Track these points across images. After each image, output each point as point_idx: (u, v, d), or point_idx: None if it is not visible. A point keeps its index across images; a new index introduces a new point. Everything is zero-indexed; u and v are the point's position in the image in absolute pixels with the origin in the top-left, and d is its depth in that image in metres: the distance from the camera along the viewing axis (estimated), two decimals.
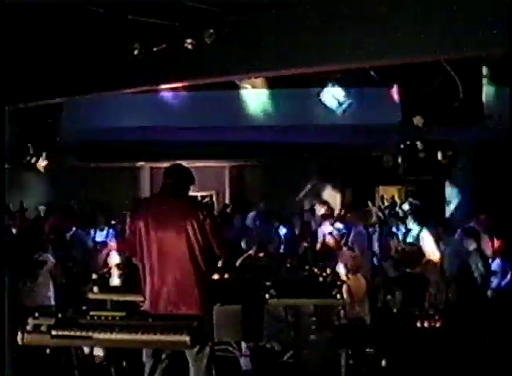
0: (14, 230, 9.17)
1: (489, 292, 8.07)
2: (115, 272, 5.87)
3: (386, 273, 8.37)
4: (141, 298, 4.86)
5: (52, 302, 6.48)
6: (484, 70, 7.97)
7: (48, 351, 4.48)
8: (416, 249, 8.81)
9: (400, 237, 10.42)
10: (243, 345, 5.99)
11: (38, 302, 6.20)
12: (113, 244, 8.46)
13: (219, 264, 5.30)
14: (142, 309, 4.73)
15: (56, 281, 6.59)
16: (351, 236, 9.86)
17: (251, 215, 13.11)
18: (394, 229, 11.00)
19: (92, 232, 10.73)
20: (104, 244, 10.18)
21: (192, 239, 4.55)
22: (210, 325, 4.63)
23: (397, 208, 14.70)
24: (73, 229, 10.57)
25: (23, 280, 6.26)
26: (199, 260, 4.57)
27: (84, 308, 4.38)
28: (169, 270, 4.58)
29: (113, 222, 12.15)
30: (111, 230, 10.78)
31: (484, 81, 8.13)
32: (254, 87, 12.36)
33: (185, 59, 5.61)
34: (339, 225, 10.80)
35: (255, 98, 12.93)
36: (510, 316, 6.41)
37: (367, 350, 5.56)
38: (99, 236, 10.73)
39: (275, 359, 5.89)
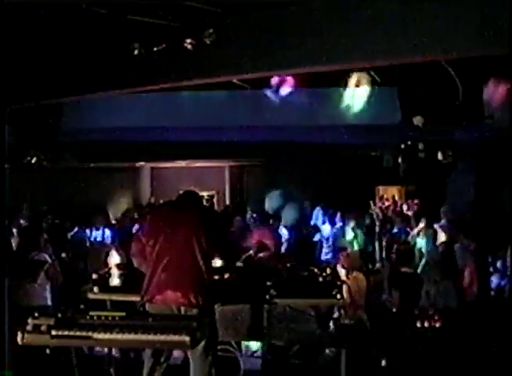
0: (14, 230, 9.16)
1: (489, 292, 8.07)
2: (115, 272, 5.87)
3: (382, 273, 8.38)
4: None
5: (49, 303, 6.45)
6: None
7: (48, 351, 4.48)
8: (412, 248, 8.81)
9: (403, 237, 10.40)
10: (243, 345, 5.99)
11: (35, 303, 6.17)
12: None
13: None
14: (141, 302, 4.79)
15: (53, 281, 6.55)
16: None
17: (249, 215, 13.10)
18: (395, 230, 10.97)
19: (88, 232, 10.72)
20: (101, 243, 10.18)
21: (197, 245, 4.70)
22: (213, 326, 4.66)
23: (397, 208, 14.68)
24: (76, 229, 10.57)
25: (21, 280, 6.24)
26: (200, 264, 4.69)
27: (82, 307, 4.39)
28: (172, 270, 4.67)
29: (113, 222, 12.15)
30: (107, 230, 10.77)
31: None
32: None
33: (185, 59, 5.61)
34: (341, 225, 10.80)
35: (256, 98, 12.92)
36: (510, 315, 6.40)
37: (367, 350, 5.57)
38: (95, 236, 10.72)
39: (275, 360, 5.88)
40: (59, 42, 6.16)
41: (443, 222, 10.51)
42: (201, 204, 5.34)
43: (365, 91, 11.71)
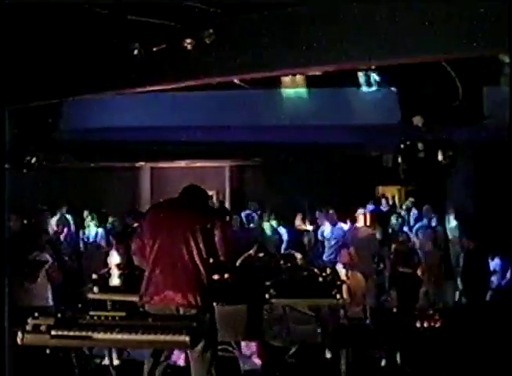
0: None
1: (489, 292, 8.07)
2: (115, 272, 5.87)
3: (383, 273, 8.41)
4: None
5: (51, 303, 6.45)
6: None
7: (48, 351, 4.48)
8: (410, 248, 8.80)
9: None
10: (243, 344, 5.99)
11: (36, 303, 6.16)
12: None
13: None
14: (140, 303, 4.78)
15: (54, 281, 6.55)
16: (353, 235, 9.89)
17: (245, 214, 13.13)
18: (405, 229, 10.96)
19: (81, 233, 10.74)
20: (96, 243, 10.20)
21: (195, 245, 4.67)
22: (213, 325, 4.65)
23: (398, 208, 14.70)
24: (65, 229, 10.58)
25: (21, 280, 6.23)
26: (199, 264, 4.66)
27: (80, 306, 4.39)
28: (171, 270, 4.65)
29: (110, 222, 12.13)
30: (100, 230, 10.77)
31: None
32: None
33: (185, 59, 5.61)
34: (341, 225, 10.80)
35: (254, 98, 12.92)
36: (510, 315, 6.40)
37: (367, 350, 5.57)
38: (89, 237, 10.73)
39: (275, 359, 5.88)
40: (59, 42, 6.16)
41: (424, 221, 10.53)
42: (204, 200, 5.16)
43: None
